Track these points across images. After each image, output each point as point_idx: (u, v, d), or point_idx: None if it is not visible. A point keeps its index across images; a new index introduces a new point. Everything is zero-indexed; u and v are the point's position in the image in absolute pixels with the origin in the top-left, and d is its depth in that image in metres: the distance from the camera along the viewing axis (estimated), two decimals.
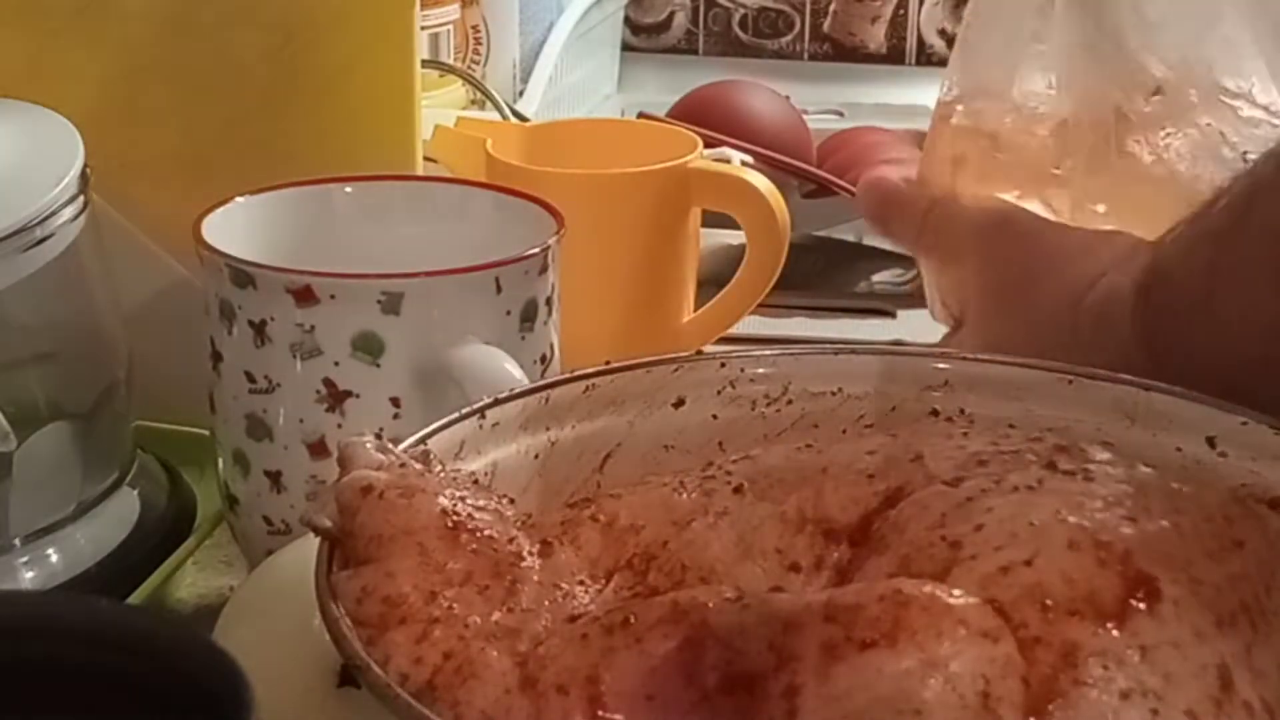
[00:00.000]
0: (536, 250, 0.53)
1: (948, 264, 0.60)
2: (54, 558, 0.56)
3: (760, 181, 0.75)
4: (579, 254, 0.57)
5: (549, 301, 0.54)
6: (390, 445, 0.40)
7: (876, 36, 1.52)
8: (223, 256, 0.52)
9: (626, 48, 1.48)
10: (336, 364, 0.51)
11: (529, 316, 0.53)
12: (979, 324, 0.57)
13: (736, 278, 0.78)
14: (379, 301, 0.50)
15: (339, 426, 0.51)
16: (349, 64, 0.64)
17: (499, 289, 0.52)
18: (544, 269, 0.53)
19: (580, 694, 0.33)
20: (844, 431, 0.46)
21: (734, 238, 0.80)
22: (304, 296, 0.51)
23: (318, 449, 0.51)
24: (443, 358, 0.50)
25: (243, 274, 0.51)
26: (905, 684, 0.31)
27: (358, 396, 0.51)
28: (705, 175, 0.75)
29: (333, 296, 0.50)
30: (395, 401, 0.51)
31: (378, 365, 0.51)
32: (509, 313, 0.52)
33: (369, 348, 0.51)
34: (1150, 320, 0.50)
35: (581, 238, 0.56)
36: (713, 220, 0.85)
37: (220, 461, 0.55)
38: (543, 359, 0.54)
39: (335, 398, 0.51)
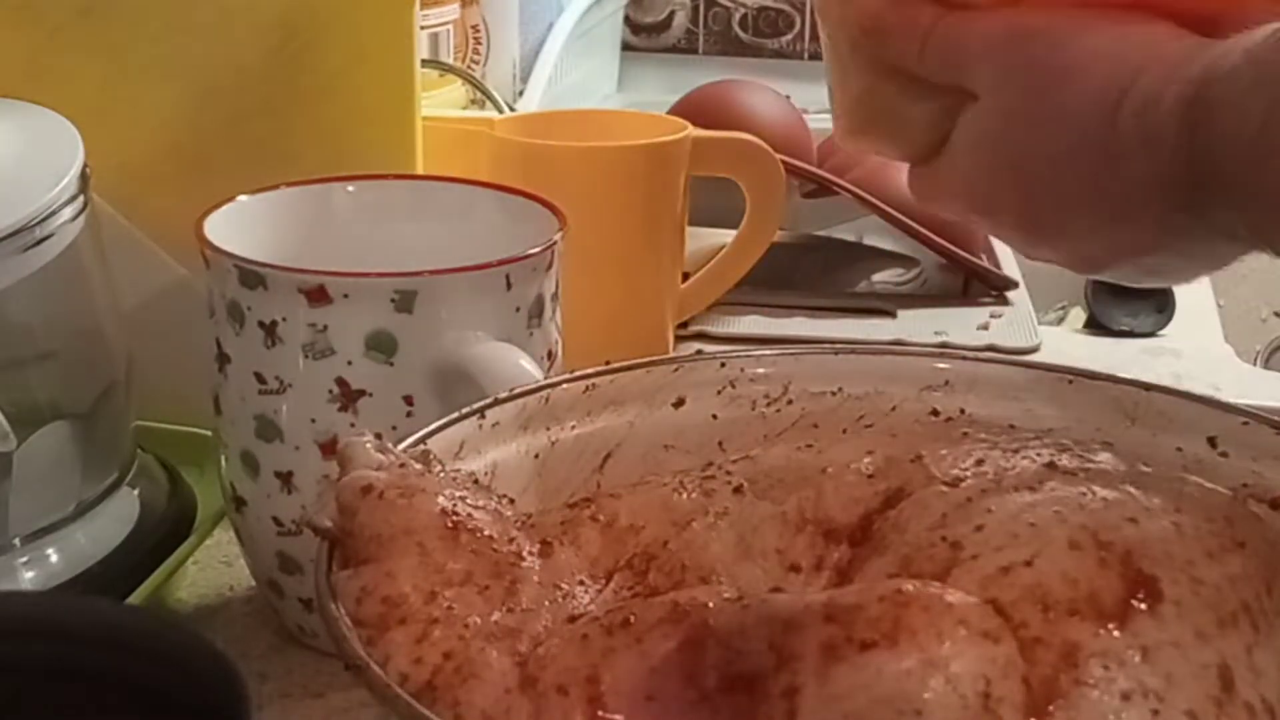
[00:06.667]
0: (545, 247, 0.53)
1: (950, 80, 0.52)
2: (54, 558, 0.56)
3: (758, 140, 0.78)
4: (585, 227, 0.57)
5: (554, 298, 0.54)
6: (390, 445, 0.40)
7: None
8: (231, 257, 0.52)
9: (626, 47, 1.48)
10: (349, 363, 0.51)
11: (536, 313, 0.53)
12: (989, 146, 0.51)
13: (737, 235, 0.80)
14: (392, 300, 0.50)
15: (352, 426, 0.51)
16: (349, 64, 0.64)
17: (509, 286, 0.52)
18: (550, 265, 0.53)
19: (580, 694, 0.33)
20: (844, 431, 0.46)
21: (728, 236, 0.81)
22: (316, 296, 0.51)
23: (330, 449, 0.51)
24: (457, 355, 0.50)
25: (253, 275, 0.51)
26: (905, 684, 0.31)
27: (370, 395, 0.51)
28: (707, 142, 0.76)
29: (346, 296, 0.50)
30: (408, 400, 0.51)
31: (391, 364, 0.51)
32: (518, 309, 0.52)
33: (382, 346, 0.51)
34: (1199, 149, 0.45)
35: (586, 210, 0.57)
36: (710, 219, 0.85)
37: (224, 462, 0.55)
38: (549, 354, 0.54)
39: (348, 397, 0.51)
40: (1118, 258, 0.51)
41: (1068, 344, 0.87)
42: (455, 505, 0.37)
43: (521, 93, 1.11)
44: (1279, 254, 0.45)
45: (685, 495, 0.40)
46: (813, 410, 0.47)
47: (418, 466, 0.39)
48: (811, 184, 0.94)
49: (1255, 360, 1.21)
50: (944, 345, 0.82)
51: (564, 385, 0.45)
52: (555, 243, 0.54)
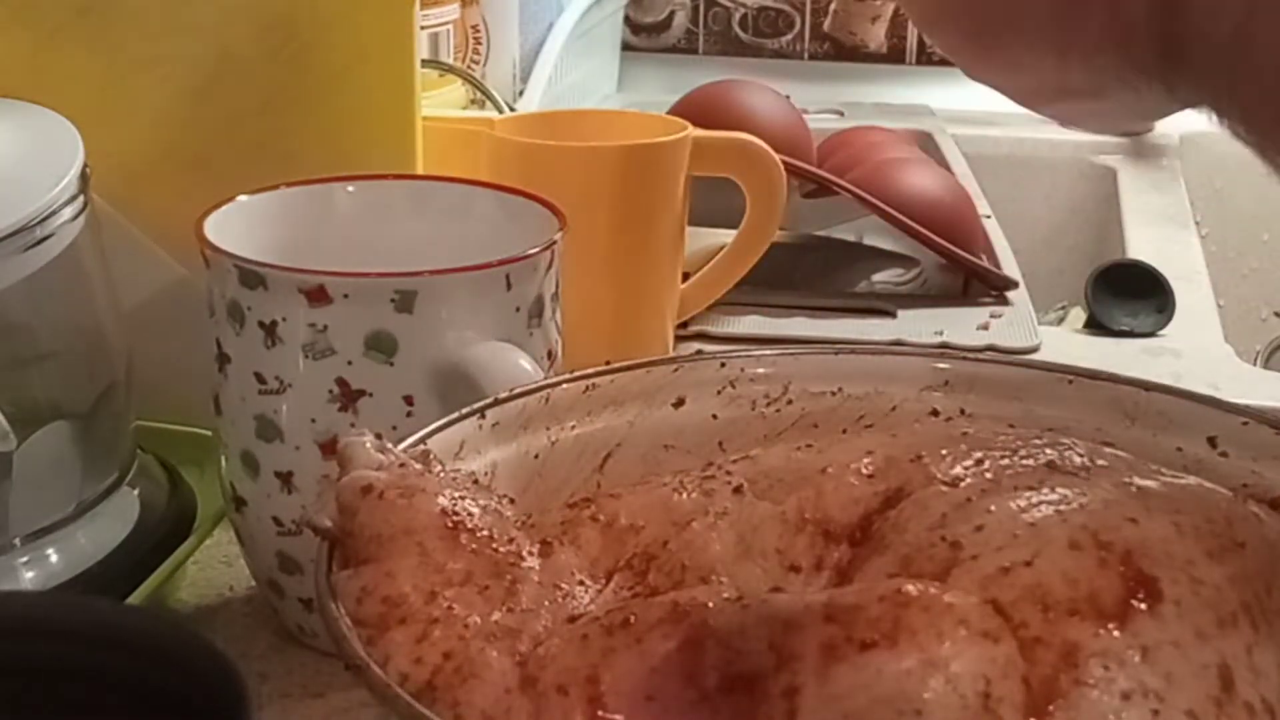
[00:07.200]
0: (545, 247, 0.53)
1: None
2: (54, 558, 0.56)
3: (758, 140, 0.78)
4: (585, 227, 0.57)
5: (554, 298, 0.54)
6: (390, 445, 0.40)
7: (877, 36, 1.52)
8: (231, 257, 0.52)
9: (626, 47, 1.48)
10: (349, 363, 0.51)
11: (536, 313, 0.53)
12: None
13: (737, 235, 0.80)
14: (392, 300, 0.50)
15: (352, 426, 0.51)
16: (349, 64, 0.64)
17: (509, 286, 0.52)
18: (550, 265, 0.54)
19: (580, 694, 0.33)
20: (844, 431, 0.46)
21: (728, 236, 0.81)
22: (316, 296, 0.51)
23: (330, 449, 0.51)
24: (457, 355, 0.50)
25: (253, 275, 0.51)
26: (905, 684, 0.31)
27: (371, 396, 0.51)
28: (707, 142, 0.76)
29: (346, 296, 0.50)
30: (408, 400, 0.51)
31: (391, 364, 0.51)
32: (518, 309, 0.52)
33: (382, 346, 0.51)
34: (1171, 33, 0.43)
35: (587, 210, 0.57)
36: (710, 219, 0.85)
37: (224, 462, 0.55)
38: (549, 354, 0.54)
39: (348, 397, 0.51)
40: (1061, 100, 0.50)
41: (1068, 344, 0.87)
42: (455, 505, 0.37)
43: (521, 93, 1.11)
44: (1241, 141, 0.44)
45: (685, 495, 0.40)
46: (813, 410, 0.47)
47: (418, 466, 0.39)
48: (811, 184, 0.94)
49: (1255, 360, 1.21)
50: (944, 345, 0.82)
51: (564, 385, 0.45)
52: (555, 243, 0.54)
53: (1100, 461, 0.40)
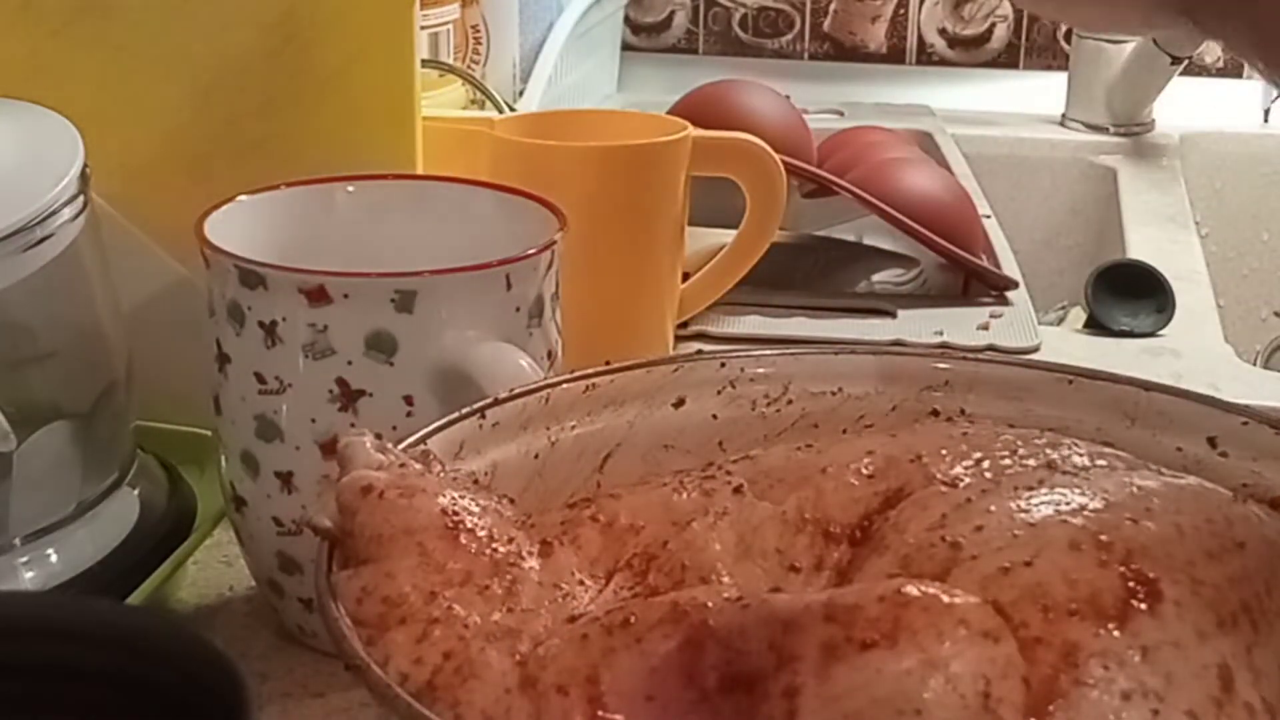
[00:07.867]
0: (545, 247, 0.53)
1: None
2: (54, 558, 0.56)
3: (758, 140, 0.78)
4: (585, 227, 0.57)
5: (554, 297, 0.54)
6: (390, 445, 0.40)
7: (876, 36, 1.52)
8: (231, 257, 0.52)
9: (626, 47, 1.48)
10: (349, 363, 0.51)
11: (536, 313, 0.53)
12: None
13: (737, 235, 0.80)
14: (392, 300, 0.50)
15: (352, 426, 0.51)
16: (349, 64, 0.64)
17: (509, 286, 0.52)
18: (550, 265, 0.54)
19: (580, 694, 0.33)
20: (844, 431, 0.46)
21: (728, 236, 0.81)
22: (317, 296, 0.51)
23: (330, 449, 0.51)
24: (457, 355, 0.50)
25: (253, 275, 0.51)
26: (905, 684, 0.31)
27: (371, 396, 0.51)
28: (707, 142, 0.76)
29: (346, 296, 0.50)
30: (408, 400, 0.51)
31: (391, 364, 0.51)
32: (518, 309, 0.52)
33: (382, 346, 0.51)
34: None
35: (586, 210, 0.57)
36: (710, 219, 0.85)
37: (224, 462, 0.55)
38: (549, 354, 0.54)
39: (348, 397, 0.51)
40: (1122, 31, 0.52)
41: (1068, 344, 0.87)
42: (455, 505, 0.37)
43: (521, 93, 1.11)
44: (1261, 76, 0.45)
45: (685, 495, 0.40)
46: (813, 410, 0.47)
47: (418, 466, 0.39)
48: (811, 184, 0.94)
49: (1255, 360, 1.21)
50: (944, 345, 0.82)
51: (564, 385, 0.45)
52: (555, 243, 0.54)
53: (1100, 461, 0.40)
